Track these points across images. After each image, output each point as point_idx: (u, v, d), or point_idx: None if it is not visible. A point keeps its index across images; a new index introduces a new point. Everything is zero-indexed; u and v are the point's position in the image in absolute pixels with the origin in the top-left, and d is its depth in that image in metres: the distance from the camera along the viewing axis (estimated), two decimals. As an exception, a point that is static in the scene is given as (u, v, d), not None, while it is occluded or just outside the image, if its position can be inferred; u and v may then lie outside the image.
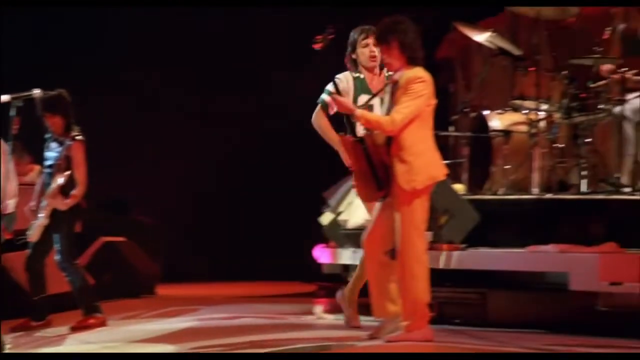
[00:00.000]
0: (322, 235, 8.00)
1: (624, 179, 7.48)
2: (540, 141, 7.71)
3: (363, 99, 6.26)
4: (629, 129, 7.49)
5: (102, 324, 7.12)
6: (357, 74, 6.42)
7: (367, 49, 6.34)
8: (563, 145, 7.84)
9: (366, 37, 6.34)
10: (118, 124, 11.00)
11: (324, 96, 6.39)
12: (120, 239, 9.76)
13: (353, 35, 6.41)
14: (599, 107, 7.54)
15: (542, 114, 7.79)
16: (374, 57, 6.31)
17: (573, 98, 7.66)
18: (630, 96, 7.55)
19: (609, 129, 7.76)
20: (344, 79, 6.39)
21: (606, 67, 7.73)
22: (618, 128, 7.49)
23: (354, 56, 6.40)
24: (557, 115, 7.79)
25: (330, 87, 6.34)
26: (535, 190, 7.66)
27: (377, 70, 6.41)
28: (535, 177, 7.69)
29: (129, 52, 11.15)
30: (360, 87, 6.35)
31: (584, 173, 7.54)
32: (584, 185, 7.53)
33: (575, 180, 7.66)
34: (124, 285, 9.37)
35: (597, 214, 7.16)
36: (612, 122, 7.65)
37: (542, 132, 7.77)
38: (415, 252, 5.80)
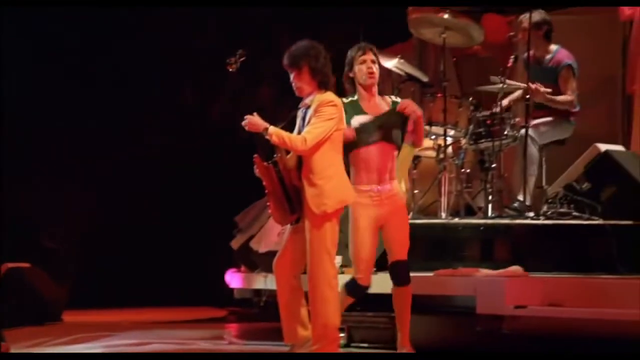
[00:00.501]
0: (233, 260, 7.96)
1: (528, 203, 7.60)
2: (448, 166, 7.81)
3: (358, 119, 6.03)
4: (533, 151, 7.64)
5: (6, 351, 6.94)
6: (349, 98, 6.09)
7: (364, 66, 6.03)
8: (470, 170, 7.97)
9: (363, 54, 6.05)
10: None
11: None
12: (25, 264, 9.56)
13: (350, 53, 6.07)
14: (504, 133, 7.67)
15: (449, 140, 7.89)
16: (372, 73, 6.02)
17: (479, 124, 7.78)
18: (533, 122, 7.72)
19: (514, 154, 7.89)
20: None
21: (508, 94, 7.91)
22: (523, 151, 7.60)
23: (351, 75, 6.07)
24: (464, 141, 7.90)
25: None
26: (443, 214, 7.75)
27: (375, 90, 6.10)
28: (443, 202, 7.78)
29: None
30: (352, 110, 6.04)
31: (490, 198, 7.66)
32: (490, 210, 7.65)
33: (481, 205, 7.77)
34: (29, 311, 9.17)
35: (502, 237, 7.30)
36: (516, 147, 7.78)
37: (450, 158, 7.88)
38: (325, 276, 5.82)
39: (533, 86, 7.63)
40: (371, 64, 6.02)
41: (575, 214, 7.35)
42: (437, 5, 7.93)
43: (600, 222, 7.19)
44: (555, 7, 8.34)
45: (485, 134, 7.75)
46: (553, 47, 7.86)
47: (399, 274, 6.10)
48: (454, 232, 7.45)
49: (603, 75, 8.83)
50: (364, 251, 6.03)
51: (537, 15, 7.80)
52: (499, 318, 6.47)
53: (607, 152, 7.64)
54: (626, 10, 7.67)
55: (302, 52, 5.88)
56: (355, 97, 6.10)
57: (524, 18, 7.77)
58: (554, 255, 7.18)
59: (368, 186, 6.03)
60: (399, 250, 6.11)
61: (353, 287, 6.09)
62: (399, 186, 6.18)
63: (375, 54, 6.00)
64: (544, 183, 7.79)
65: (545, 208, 7.58)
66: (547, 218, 7.40)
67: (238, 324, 8.82)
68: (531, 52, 7.78)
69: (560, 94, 7.76)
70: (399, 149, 6.11)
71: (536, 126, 7.74)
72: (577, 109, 7.85)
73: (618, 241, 7.02)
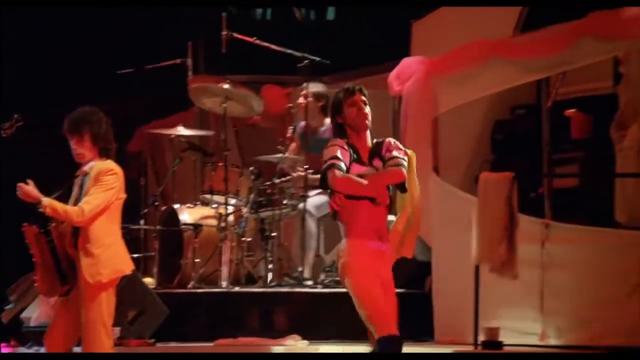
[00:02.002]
0: (4, 334, 7.62)
1: (306, 273, 7.73)
2: (229, 235, 7.83)
3: (356, 169, 5.24)
4: (311, 224, 7.79)
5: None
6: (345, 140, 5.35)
7: (354, 108, 5.29)
8: (251, 239, 8.04)
9: (352, 95, 5.32)
10: None
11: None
12: None
13: (337, 95, 5.38)
14: (284, 202, 7.80)
15: (230, 209, 7.93)
16: (365, 115, 5.27)
17: (260, 193, 7.88)
18: (311, 193, 7.89)
19: (293, 224, 8.04)
20: None
21: (287, 164, 8.07)
22: (301, 223, 7.75)
23: (340, 120, 5.33)
24: (245, 210, 7.97)
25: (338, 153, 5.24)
26: (224, 283, 7.74)
27: (367, 135, 5.33)
28: (224, 271, 7.78)
29: None
30: (353, 153, 5.28)
31: (270, 266, 7.73)
32: (270, 278, 7.72)
33: (262, 273, 7.83)
34: None
35: (282, 306, 7.38)
36: (296, 217, 7.93)
37: (231, 226, 7.92)
38: (102, 349, 5.67)
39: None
40: (362, 106, 5.34)
41: None
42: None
43: None
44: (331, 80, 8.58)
45: (266, 203, 7.86)
46: (327, 120, 7.97)
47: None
48: (234, 301, 7.46)
49: None
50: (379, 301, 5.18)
51: (318, 87, 8.03)
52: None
53: None
54: (395, 86, 7.88)
55: (83, 117, 5.77)
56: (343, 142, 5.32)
57: (304, 89, 7.99)
58: (332, 323, 7.30)
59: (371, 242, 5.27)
60: None
61: (388, 345, 5.09)
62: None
63: (365, 95, 5.34)
64: (322, 252, 7.93)
65: (323, 276, 7.72)
66: (325, 286, 7.54)
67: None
68: (307, 123, 7.96)
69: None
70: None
71: (314, 198, 7.89)
72: None
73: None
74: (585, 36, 7.08)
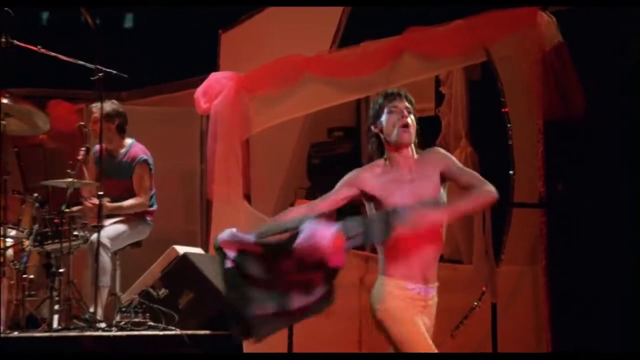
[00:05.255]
0: None
1: (99, 314, 7.08)
2: (7, 272, 6.99)
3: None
4: (105, 258, 7.19)
5: None
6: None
7: (394, 116, 4.51)
8: (33, 276, 7.25)
9: (393, 99, 4.55)
10: None
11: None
12: None
13: (377, 100, 4.62)
14: (74, 233, 7.13)
15: (10, 241, 7.11)
16: (407, 126, 4.48)
17: (45, 223, 7.16)
18: (107, 222, 7.29)
19: (84, 258, 7.34)
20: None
21: (84, 191, 7.47)
22: (94, 257, 7.10)
23: (375, 129, 4.55)
24: (27, 243, 7.19)
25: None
26: (1, 328, 6.84)
27: (410, 151, 4.53)
28: (2, 313, 6.88)
29: None
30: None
31: (56, 307, 7.00)
32: (56, 321, 6.97)
33: (46, 316, 7.06)
34: None
35: (69, 353, 6.62)
36: (87, 251, 7.26)
37: (10, 262, 7.09)
38: None
39: (89, 204, 7.27)
40: (406, 113, 4.52)
41: (150, 323, 6.98)
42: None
43: (177, 332, 6.85)
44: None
45: (52, 235, 7.14)
46: (128, 140, 7.63)
47: None
48: (12, 348, 6.59)
49: (183, 170, 8.83)
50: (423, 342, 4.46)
51: (109, 106, 7.53)
52: None
53: (185, 255, 7.37)
54: (202, 104, 7.66)
55: None
56: (380, 163, 4.57)
57: (95, 108, 7.47)
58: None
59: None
60: None
61: None
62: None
63: (410, 102, 4.57)
64: (117, 290, 7.36)
65: (118, 318, 7.14)
66: (120, 329, 6.94)
67: None
68: (104, 145, 7.36)
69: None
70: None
71: (109, 229, 7.32)
72: (154, 207, 7.63)
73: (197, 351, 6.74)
74: (404, 53, 6.88)
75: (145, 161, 7.49)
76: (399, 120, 4.49)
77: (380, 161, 4.54)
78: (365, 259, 6.86)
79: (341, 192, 4.50)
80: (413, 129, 4.50)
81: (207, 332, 6.86)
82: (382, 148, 4.56)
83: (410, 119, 4.51)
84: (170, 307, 7.08)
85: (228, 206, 7.68)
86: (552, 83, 6.45)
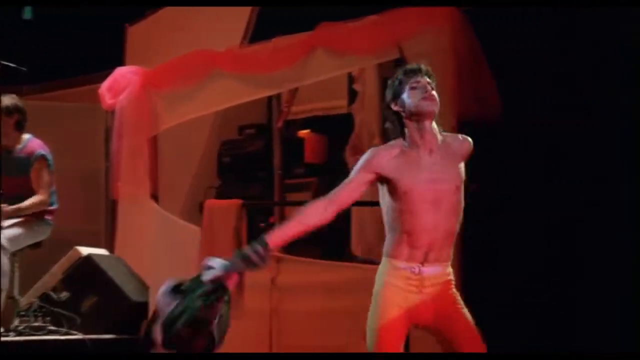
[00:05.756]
0: None
1: None
2: None
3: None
4: (4, 260, 6.84)
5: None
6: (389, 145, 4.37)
7: (418, 91, 4.32)
8: None
9: (415, 75, 4.37)
10: None
11: None
12: None
13: (396, 78, 4.43)
14: None
15: None
16: (432, 97, 4.30)
17: None
18: (5, 223, 6.93)
19: None
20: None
21: None
22: None
23: (395, 107, 4.36)
24: None
25: None
26: None
27: (433, 129, 4.34)
28: None
29: None
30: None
31: None
32: None
33: None
34: None
35: None
36: None
37: None
38: None
39: None
40: (429, 88, 4.34)
41: (51, 328, 6.76)
42: None
43: (80, 336, 6.66)
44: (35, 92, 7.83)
45: None
46: (25, 136, 7.23)
47: None
48: None
49: (87, 169, 8.62)
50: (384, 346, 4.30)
51: (8, 100, 7.20)
52: None
53: (88, 256, 7.19)
54: (107, 99, 7.40)
55: None
56: (406, 144, 4.35)
57: None
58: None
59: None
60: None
61: None
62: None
63: (432, 77, 4.39)
64: (16, 293, 7.02)
65: (17, 322, 6.86)
66: (19, 334, 6.69)
67: None
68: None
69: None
70: None
71: (8, 230, 6.96)
72: (54, 206, 7.27)
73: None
74: (316, 49, 6.74)
75: (43, 156, 7.11)
76: (423, 95, 4.33)
77: (399, 141, 4.34)
78: (277, 260, 6.70)
79: (360, 178, 4.30)
80: (437, 103, 4.33)
81: (112, 336, 6.71)
82: (402, 127, 4.36)
83: (435, 94, 4.34)
84: (73, 311, 6.89)
85: (134, 206, 7.51)
86: (466, 82, 6.38)
